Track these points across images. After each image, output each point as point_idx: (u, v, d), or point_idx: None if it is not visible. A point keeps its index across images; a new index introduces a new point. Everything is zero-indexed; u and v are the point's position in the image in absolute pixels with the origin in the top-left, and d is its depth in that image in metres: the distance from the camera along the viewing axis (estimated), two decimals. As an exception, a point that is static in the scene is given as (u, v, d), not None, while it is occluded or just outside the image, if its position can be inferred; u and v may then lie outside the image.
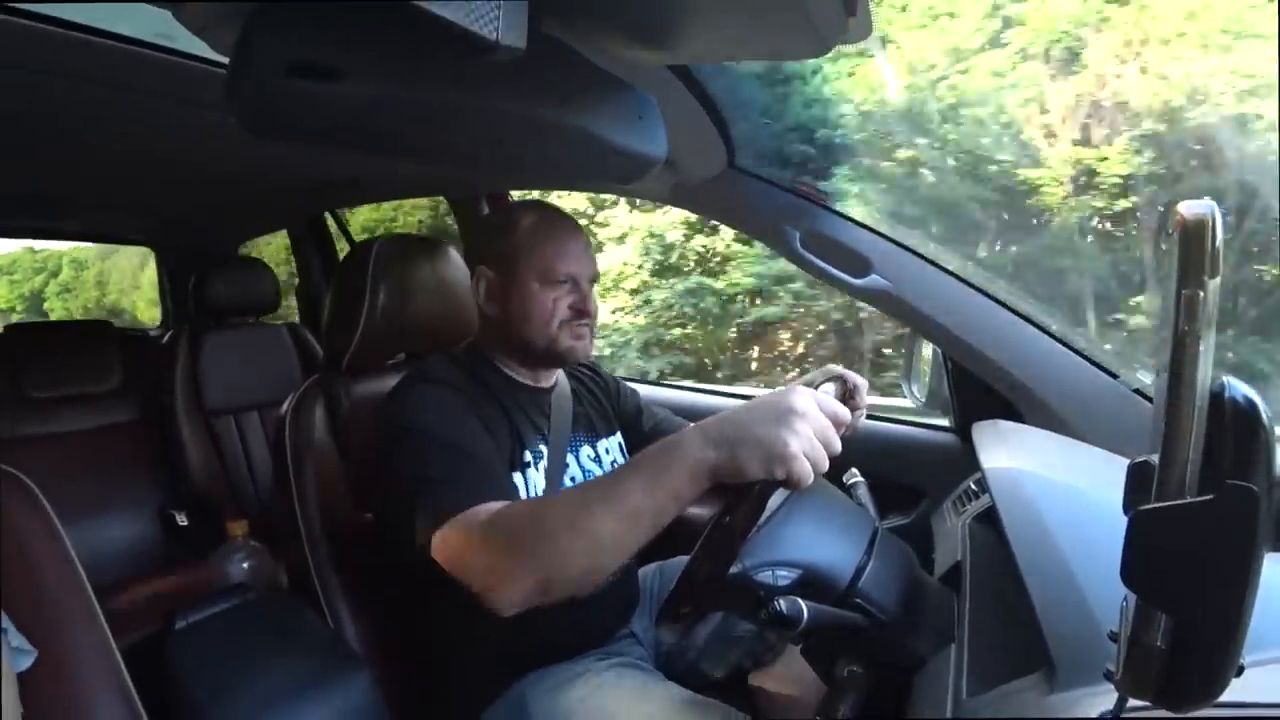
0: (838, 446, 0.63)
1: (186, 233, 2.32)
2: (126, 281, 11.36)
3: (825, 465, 0.62)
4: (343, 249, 2.39)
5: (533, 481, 0.93)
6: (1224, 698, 0.41)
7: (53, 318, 10.55)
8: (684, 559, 0.66)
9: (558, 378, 1.06)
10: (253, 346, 2.08)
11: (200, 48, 0.56)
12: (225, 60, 0.50)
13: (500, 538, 0.72)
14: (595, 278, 0.99)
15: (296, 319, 2.44)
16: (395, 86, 0.52)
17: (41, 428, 1.82)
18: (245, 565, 1.27)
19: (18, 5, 0.73)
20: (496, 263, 0.97)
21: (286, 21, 0.48)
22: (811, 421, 0.61)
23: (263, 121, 0.54)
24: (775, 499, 0.75)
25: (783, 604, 0.68)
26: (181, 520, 1.85)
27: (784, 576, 0.73)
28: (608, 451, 1.07)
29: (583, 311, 0.96)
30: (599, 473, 1.03)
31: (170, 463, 1.94)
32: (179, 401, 1.94)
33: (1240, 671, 0.41)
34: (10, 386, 1.81)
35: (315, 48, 0.48)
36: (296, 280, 2.47)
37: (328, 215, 2.31)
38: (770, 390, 0.70)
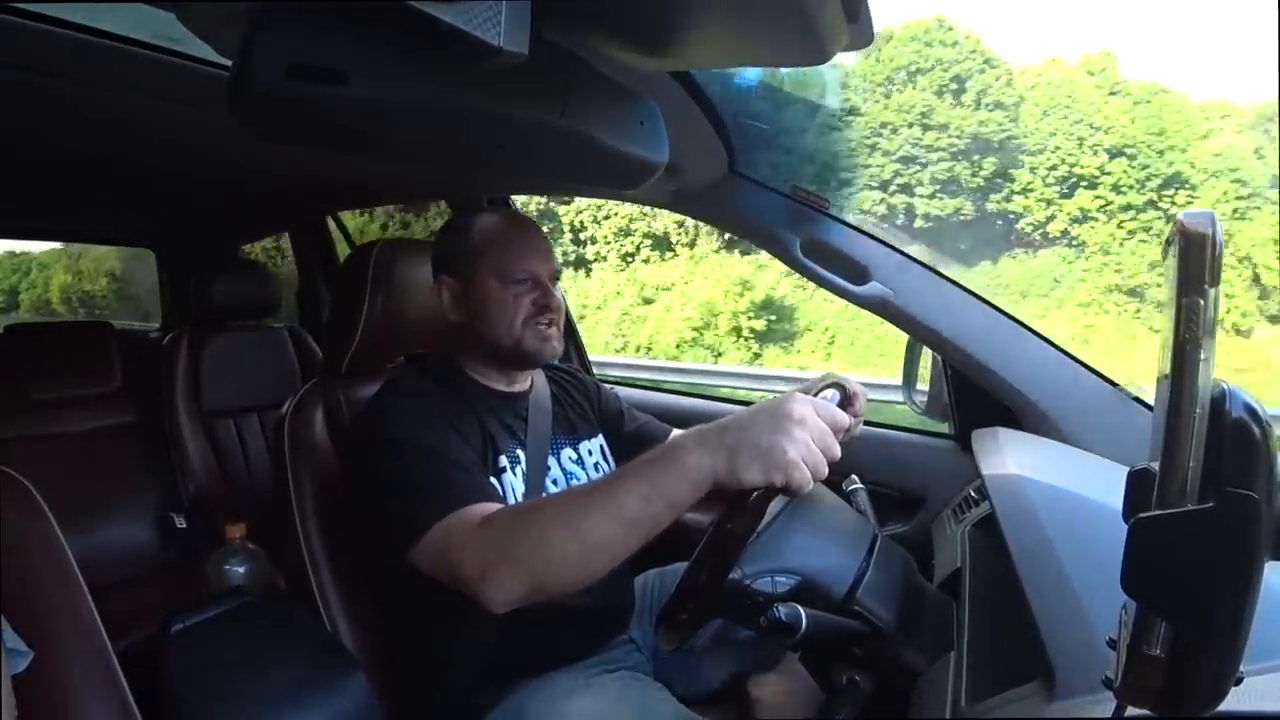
0: (837, 453, 0.63)
1: (188, 235, 2.32)
2: (55, 284, 16.81)
3: (824, 472, 0.62)
4: (343, 252, 2.39)
5: (511, 486, 0.93)
6: (1223, 706, 0.40)
7: (21, 307, 16.71)
8: (683, 565, 0.66)
9: (534, 381, 1.05)
10: (253, 349, 2.07)
11: (203, 50, 0.57)
12: (228, 62, 0.50)
13: (494, 538, 0.72)
14: (555, 275, 0.99)
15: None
16: (398, 90, 0.52)
17: (40, 429, 1.81)
18: (243, 568, 1.27)
19: (20, 5, 0.73)
20: (455, 268, 0.97)
21: (290, 24, 0.48)
22: (810, 428, 0.61)
23: (266, 124, 0.54)
24: (774, 505, 0.75)
25: (781, 611, 0.68)
26: (180, 523, 1.84)
27: (783, 583, 0.73)
28: (590, 453, 1.06)
29: (545, 307, 0.95)
30: (581, 474, 1.02)
31: (169, 465, 1.93)
32: (178, 403, 1.94)
33: (1240, 680, 0.40)
34: (10, 387, 1.81)
35: (318, 51, 0.48)
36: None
37: (329, 218, 2.32)
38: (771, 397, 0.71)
